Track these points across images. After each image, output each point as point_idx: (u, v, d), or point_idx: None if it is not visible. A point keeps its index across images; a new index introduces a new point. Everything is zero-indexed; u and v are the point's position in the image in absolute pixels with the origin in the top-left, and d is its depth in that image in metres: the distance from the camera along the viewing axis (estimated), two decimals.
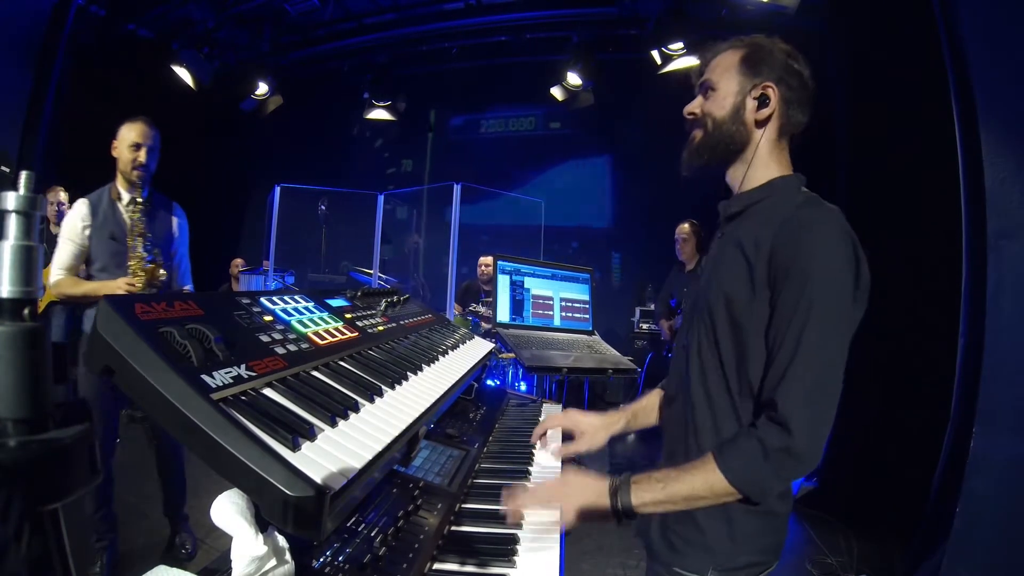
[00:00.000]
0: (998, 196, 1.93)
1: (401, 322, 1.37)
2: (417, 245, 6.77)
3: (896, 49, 3.19)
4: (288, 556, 0.71)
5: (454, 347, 1.44)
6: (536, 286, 2.47)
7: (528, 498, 0.94)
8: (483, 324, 4.26)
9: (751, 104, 0.96)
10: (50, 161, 4.01)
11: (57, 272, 2.13)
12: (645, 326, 5.39)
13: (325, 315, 1.07)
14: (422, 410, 0.92)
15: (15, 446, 0.33)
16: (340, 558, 0.74)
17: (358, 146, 7.57)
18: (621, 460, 3.39)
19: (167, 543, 2.40)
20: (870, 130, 3.45)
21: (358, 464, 0.66)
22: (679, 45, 4.51)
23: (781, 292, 0.85)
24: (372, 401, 0.85)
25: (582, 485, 0.93)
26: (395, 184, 6.62)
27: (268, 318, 0.90)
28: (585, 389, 5.21)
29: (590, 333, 2.52)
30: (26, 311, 0.36)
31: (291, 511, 0.55)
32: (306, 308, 1.04)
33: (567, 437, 1.26)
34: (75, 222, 2.14)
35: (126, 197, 2.21)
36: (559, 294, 2.53)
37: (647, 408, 1.21)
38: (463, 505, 1.03)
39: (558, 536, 0.97)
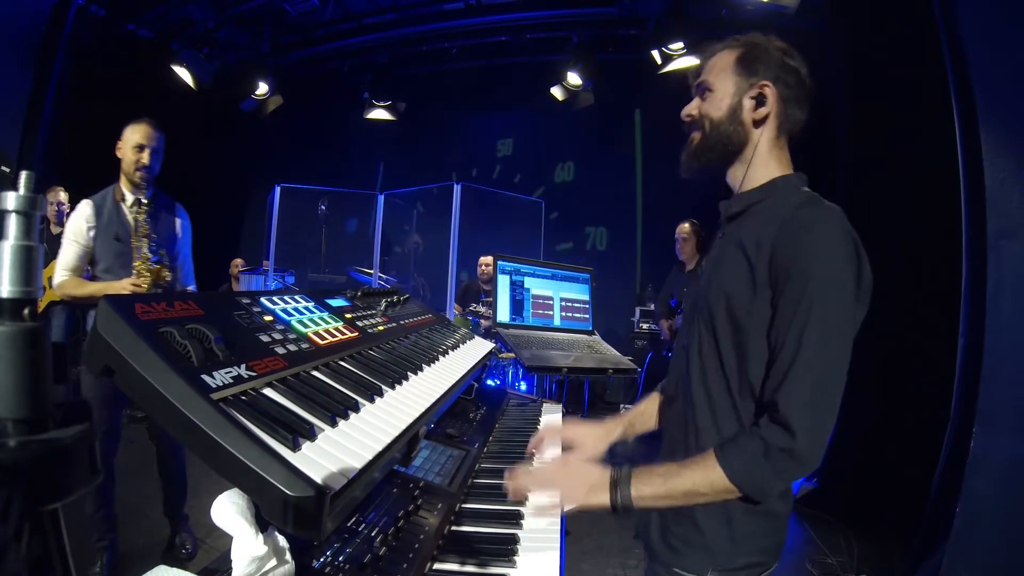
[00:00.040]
0: (998, 196, 1.93)
1: (401, 322, 1.37)
2: (417, 245, 6.77)
3: (896, 49, 3.19)
4: (288, 556, 0.71)
5: (454, 347, 1.44)
6: (536, 286, 2.47)
7: (530, 480, 0.95)
8: (483, 323, 4.26)
9: (748, 104, 0.96)
10: (50, 161, 4.02)
11: (62, 273, 2.13)
12: (645, 326, 5.39)
13: (325, 315, 1.07)
14: (422, 410, 0.92)
15: (15, 446, 0.33)
16: (340, 558, 0.74)
17: (358, 146, 7.58)
18: (620, 461, 3.37)
19: (167, 543, 2.40)
20: (870, 130, 3.45)
21: (358, 464, 0.66)
22: (679, 45, 4.51)
23: (782, 292, 0.84)
24: (372, 401, 0.85)
25: (583, 472, 0.94)
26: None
27: (268, 318, 0.90)
28: (585, 389, 5.22)
29: (590, 333, 2.52)
30: (26, 311, 0.36)
31: (291, 511, 0.55)
32: (306, 308, 1.04)
33: (565, 447, 1.25)
34: (79, 223, 2.14)
35: (130, 198, 2.21)
36: (559, 294, 2.53)
37: (645, 414, 1.20)
38: (463, 505, 1.03)
39: (558, 536, 0.97)
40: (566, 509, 0.93)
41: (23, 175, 0.36)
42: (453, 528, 0.95)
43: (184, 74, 5.28)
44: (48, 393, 0.36)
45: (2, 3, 3.47)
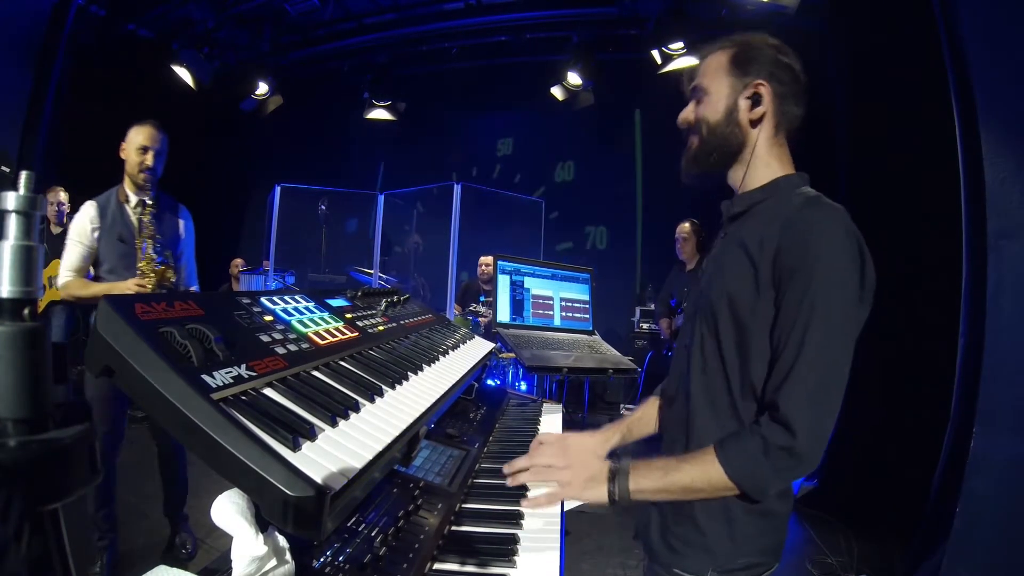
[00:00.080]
0: (998, 196, 1.93)
1: (401, 322, 1.37)
2: (417, 245, 6.77)
3: (896, 49, 3.19)
4: (288, 556, 0.71)
5: (454, 347, 1.44)
6: (536, 286, 2.47)
7: (527, 473, 0.96)
8: (483, 323, 4.26)
9: (744, 104, 0.96)
10: (50, 161, 4.02)
11: (66, 274, 2.14)
12: (645, 326, 5.39)
13: (325, 315, 1.07)
14: (422, 410, 0.92)
15: (15, 446, 0.33)
16: (340, 558, 0.74)
17: (358, 146, 7.58)
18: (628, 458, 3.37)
19: (167, 543, 2.40)
20: (870, 130, 3.45)
21: (358, 464, 0.66)
22: (679, 45, 4.51)
23: (786, 292, 0.84)
24: (372, 401, 0.85)
25: (583, 462, 0.95)
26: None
27: (268, 318, 0.90)
28: (585, 389, 5.21)
29: (590, 333, 2.52)
30: (26, 311, 0.36)
31: (291, 511, 0.55)
32: (306, 308, 1.04)
33: None
34: (83, 224, 2.15)
35: (134, 199, 2.22)
36: (559, 294, 2.53)
37: (643, 419, 1.20)
38: (463, 505, 1.03)
39: (558, 536, 0.97)
40: (564, 500, 0.93)
41: (23, 175, 0.36)
42: (453, 528, 0.95)
43: (184, 74, 5.28)
44: (48, 393, 0.36)
45: (2, 3, 3.47)
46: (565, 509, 1.08)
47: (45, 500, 0.33)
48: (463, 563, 0.85)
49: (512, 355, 2.78)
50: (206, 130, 6.56)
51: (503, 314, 2.35)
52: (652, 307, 5.24)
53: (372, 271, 5.70)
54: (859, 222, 0.85)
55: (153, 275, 2.14)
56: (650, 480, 0.89)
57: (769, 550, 0.95)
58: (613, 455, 0.96)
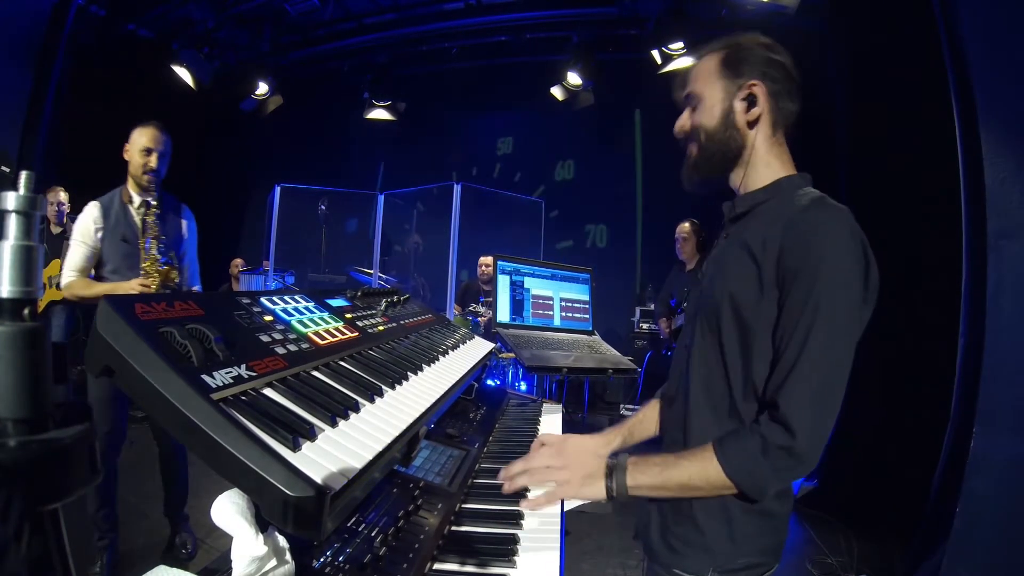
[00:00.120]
0: (998, 196, 1.93)
1: (401, 322, 1.37)
2: (417, 245, 6.78)
3: (896, 49, 3.19)
4: (288, 556, 0.71)
5: (454, 347, 1.44)
6: (536, 286, 2.47)
7: (523, 475, 0.95)
8: (483, 323, 4.27)
9: (740, 106, 0.95)
10: (50, 161, 4.02)
11: (69, 274, 2.15)
12: (645, 326, 5.39)
13: (325, 315, 1.07)
14: (422, 410, 0.92)
15: (15, 446, 0.33)
16: (340, 558, 0.74)
17: (358, 146, 7.58)
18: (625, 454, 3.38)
19: (167, 543, 2.40)
20: (870, 130, 3.45)
21: (358, 464, 0.66)
22: (679, 45, 4.51)
23: (790, 292, 0.84)
24: (372, 401, 0.85)
25: (580, 460, 0.94)
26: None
27: (268, 318, 0.90)
28: (585, 389, 5.22)
29: (590, 333, 2.52)
30: (26, 311, 0.36)
31: (291, 511, 0.55)
32: (306, 308, 1.04)
33: None
34: (87, 224, 2.16)
35: (137, 200, 2.23)
36: (559, 294, 2.53)
37: (645, 421, 1.20)
38: (463, 505, 1.03)
39: (558, 536, 0.97)
40: (563, 499, 0.93)
41: (23, 175, 0.36)
42: (453, 528, 0.95)
43: (184, 74, 5.28)
44: (48, 393, 0.36)
45: (2, 3, 3.47)
46: (565, 509, 1.08)
47: (45, 500, 0.33)
48: (463, 563, 0.85)
49: (512, 355, 2.78)
50: (206, 130, 6.56)
51: (503, 314, 2.35)
52: (652, 307, 5.24)
53: (372, 271, 5.70)
54: (859, 222, 0.85)
55: (157, 275, 2.15)
56: (648, 476, 0.89)
57: (769, 550, 0.95)
58: (613, 456, 0.96)
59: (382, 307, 1.36)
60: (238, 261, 6.04)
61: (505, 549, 0.89)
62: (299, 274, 5.89)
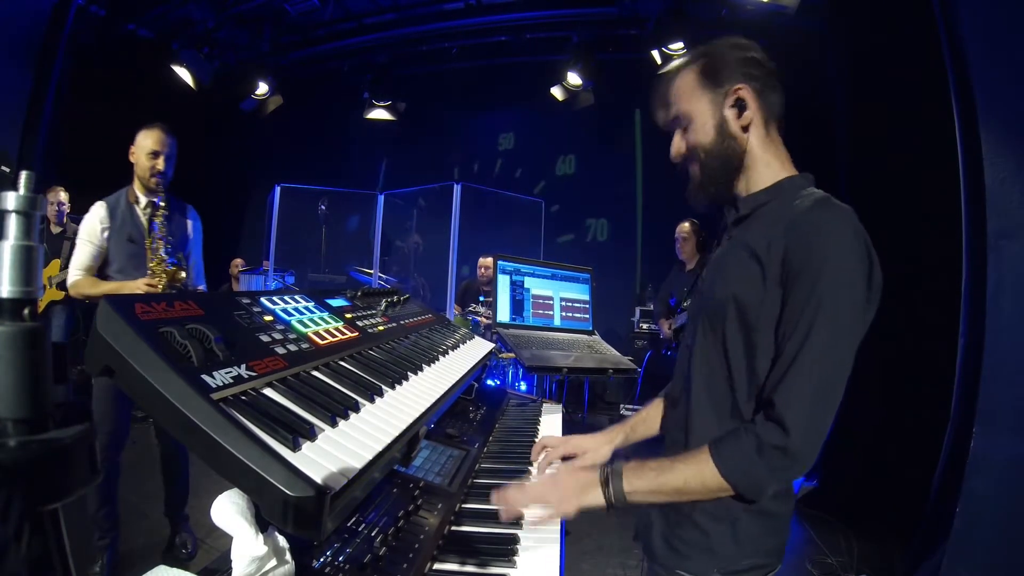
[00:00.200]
0: (998, 196, 1.92)
1: (401, 322, 1.37)
2: (417, 245, 6.78)
3: (896, 49, 3.19)
4: (288, 556, 0.71)
5: (454, 347, 1.44)
6: (536, 286, 2.47)
7: (520, 496, 0.92)
8: (483, 323, 4.27)
9: (730, 114, 0.94)
10: (50, 161, 4.02)
11: (76, 273, 2.17)
12: (645, 326, 5.39)
13: (325, 315, 1.07)
14: (422, 410, 0.92)
15: (15, 446, 0.33)
16: (340, 558, 0.74)
17: (358, 146, 7.58)
18: (621, 457, 3.38)
19: (167, 543, 2.40)
20: (870, 130, 3.45)
21: (358, 464, 0.66)
22: (679, 45, 4.51)
23: (792, 291, 0.84)
24: (372, 401, 0.85)
25: (573, 478, 0.93)
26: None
27: (268, 318, 0.90)
28: (585, 389, 5.22)
29: (590, 333, 2.52)
30: (26, 311, 0.36)
31: (291, 511, 0.55)
32: (306, 308, 1.04)
33: (567, 459, 1.24)
34: (93, 224, 2.18)
35: (144, 200, 2.25)
36: (559, 294, 2.53)
37: (647, 419, 1.19)
38: (463, 505, 1.03)
39: (558, 536, 0.97)
40: (563, 517, 0.92)
41: (23, 175, 0.36)
42: (453, 528, 0.95)
43: (184, 74, 5.28)
44: (48, 393, 0.36)
45: (2, 3, 3.47)
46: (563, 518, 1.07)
47: (45, 500, 0.33)
48: (463, 563, 0.85)
49: (512, 355, 2.78)
50: (206, 130, 6.56)
51: (503, 314, 2.35)
52: (652, 307, 5.24)
53: (372, 271, 5.70)
54: (859, 223, 0.85)
55: (164, 275, 2.17)
56: (644, 481, 0.88)
57: (772, 551, 0.95)
58: (609, 463, 0.95)
59: (382, 307, 1.36)
60: (238, 261, 6.04)
61: (505, 549, 0.89)
62: (299, 274, 5.89)
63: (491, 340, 2.12)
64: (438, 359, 1.26)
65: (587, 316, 2.58)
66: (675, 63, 1.01)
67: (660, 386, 1.23)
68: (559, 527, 1.01)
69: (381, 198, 6.29)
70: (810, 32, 4.15)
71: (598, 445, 1.20)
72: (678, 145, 1.00)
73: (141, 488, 2.74)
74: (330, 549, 0.75)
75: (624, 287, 6.15)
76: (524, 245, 6.06)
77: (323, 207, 5.91)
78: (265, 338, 0.84)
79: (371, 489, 0.87)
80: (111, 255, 2.21)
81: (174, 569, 0.74)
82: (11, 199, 0.35)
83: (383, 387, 0.91)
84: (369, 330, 1.16)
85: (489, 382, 3.26)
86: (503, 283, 2.38)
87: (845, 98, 3.70)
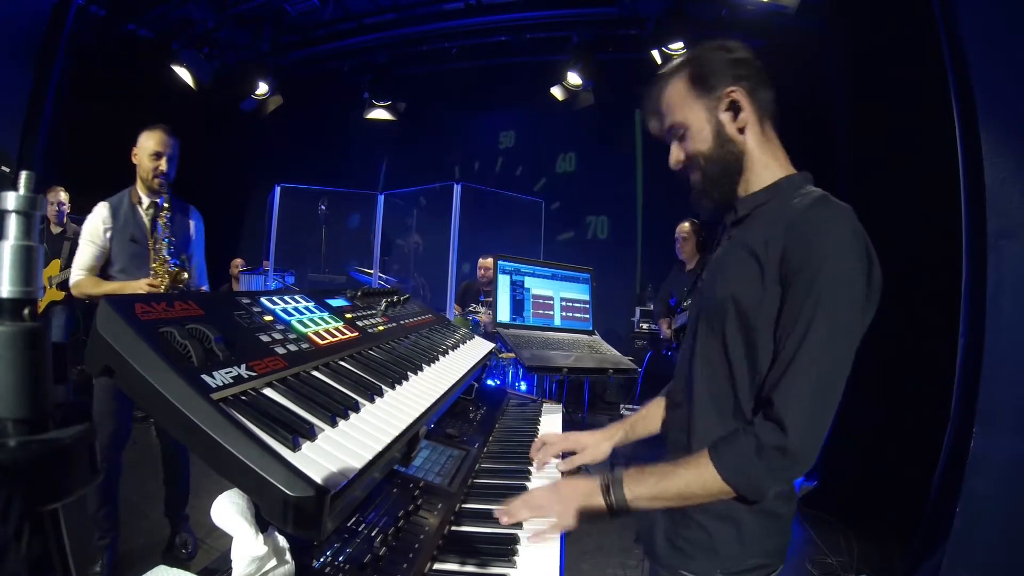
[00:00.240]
0: (998, 196, 1.92)
1: (401, 322, 1.37)
2: (417, 245, 6.78)
3: (896, 49, 3.19)
4: (288, 556, 0.71)
5: (454, 347, 1.44)
6: (536, 286, 2.47)
7: (522, 507, 0.92)
8: (483, 323, 4.27)
9: (726, 117, 0.94)
10: (50, 161, 4.02)
11: (78, 272, 2.19)
12: (645, 326, 5.39)
13: (325, 315, 1.07)
14: (422, 410, 0.92)
15: (15, 446, 0.33)
16: (340, 558, 0.74)
17: (358, 146, 7.58)
18: (621, 460, 3.39)
19: (167, 543, 2.40)
20: (870, 130, 3.44)
21: (358, 464, 0.66)
22: (679, 45, 4.51)
23: (792, 290, 0.83)
24: (372, 401, 0.85)
25: (573, 487, 0.92)
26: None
27: (268, 318, 0.90)
28: (585, 389, 5.22)
29: (590, 333, 2.52)
30: (26, 311, 0.36)
31: (291, 511, 0.55)
32: (306, 308, 1.04)
33: (569, 454, 1.24)
34: (96, 224, 2.19)
35: (146, 201, 2.26)
36: (559, 294, 2.53)
37: (647, 418, 1.19)
38: (463, 505, 1.03)
39: (558, 536, 0.97)
40: (566, 529, 0.91)
41: (23, 175, 0.36)
42: (453, 528, 0.95)
43: (184, 74, 5.28)
44: (48, 393, 0.36)
45: (2, 3, 3.47)
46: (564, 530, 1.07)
47: (45, 500, 0.33)
48: (463, 563, 0.85)
49: (512, 355, 2.78)
50: (206, 130, 6.56)
51: (503, 314, 2.35)
52: (652, 307, 5.24)
53: (372, 271, 5.70)
54: (859, 222, 0.85)
55: (167, 276, 2.18)
56: (645, 487, 0.88)
57: (775, 551, 0.95)
58: (614, 461, 0.95)
59: (382, 307, 1.36)
60: (238, 261, 6.04)
61: (505, 549, 0.89)
62: (299, 274, 5.89)
63: (491, 340, 2.12)
64: (438, 359, 1.26)
65: (587, 316, 2.58)
66: (662, 72, 1.01)
67: (660, 386, 1.23)
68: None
69: (381, 198, 6.29)
70: (810, 32, 4.15)
71: (597, 442, 1.20)
72: (676, 154, 1.00)
73: (141, 488, 2.74)
74: (330, 549, 0.75)
75: (624, 287, 6.15)
76: (524, 245, 6.06)
77: (323, 207, 5.91)
78: (265, 338, 0.84)
79: (371, 489, 0.87)
80: (113, 255, 2.22)
81: (174, 569, 0.74)
82: (11, 199, 0.35)
83: (383, 387, 0.91)
84: (369, 330, 1.16)
85: (489, 382, 3.26)
86: (503, 283, 2.38)
87: (845, 98, 3.70)
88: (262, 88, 5.89)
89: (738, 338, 0.90)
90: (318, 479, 0.58)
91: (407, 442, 0.84)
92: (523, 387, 4.12)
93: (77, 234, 3.32)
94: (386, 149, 7.38)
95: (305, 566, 0.71)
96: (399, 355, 1.13)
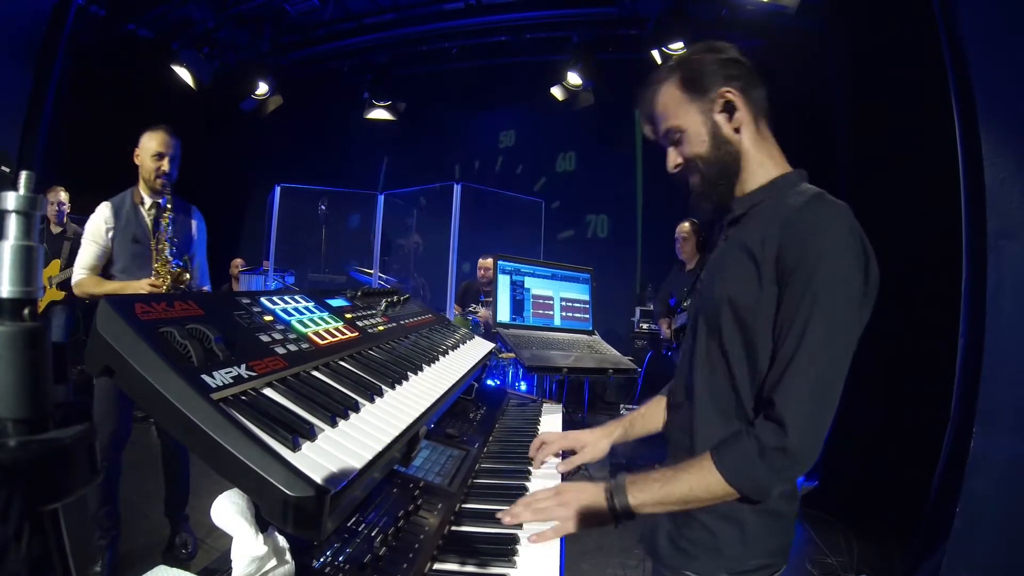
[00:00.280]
0: (998, 196, 1.92)
1: (401, 322, 1.37)
2: (417, 245, 6.78)
3: (896, 49, 3.19)
4: (288, 556, 0.71)
5: (454, 347, 1.44)
6: (536, 286, 2.47)
7: (524, 510, 0.92)
8: (482, 323, 4.27)
9: (721, 118, 0.94)
10: (50, 161, 4.01)
11: (80, 272, 2.20)
12: (645, 326, 5.39)
13: (325, 315, 1.07)
14: (422, 410, 0.92)
15: (15, 446, 0.33)
16: (340, 558, 0.74)
17: (358, 146, 7.58)
18: (621, 460, 3.40)
19: (167, 543, 2.40)
20: (870, 130, 3.45)
21: (358, 464, 0.66)
22: (679, 45, 4.51)
23: (788, 289, 0.83)
24: (372, 401, 0.85)
25: (577, 492, 0.92)
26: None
27: (268, 318, 0.90)
28: (585, 389, 5.22)
29: (590, 333, 2.52)
30: (26, 311, 0.36)
31: (291, 511, 0.55)
32: (306, 308, 1.04)
33: (568, 453, 1.24)
34: (98, 223, 2.21)
35: (148, 201, 2.27)
36: (559, 294, 2.53)
37: (646, 416, 1.19)
38: (463, 505, 1.03)
39: (558, 538, 0.97)
40: (568, 532, 0.91)
41: (23, 175, 0.36)
42: (453, 528, 0.95)
43: (184, 74, 5.28)
44: (48, 393, 0.36)
45: (2, 3, 3.47)
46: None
47: (45, 500, 0.33)
48: (463, 563, 0.85)
49: (512, 355, 2.78)
50: (206, 130, 6.56)
51: (503, 314, 2.35)
52: (652, 307, 5.24)
53: (372, 271, 5.70)
54: (859, 222, 0.85)
55: (168, 276, 2.19)
56: (648, 493, 0.88)
57: (778, 550, 0.95)
58: (614, 460, 0.95)
59: (382, 307, 1.36)
60: (238, 261, 6.04)
61: (505, 549, 0.89)
62: (299, 274, 5.89)
63: (491, 340, 2.12)
64: (438, 359, 1.26)
65: (587, 316, 2.58)
66: (654, 78, 1.01)
67: (660, 386, 1.23)
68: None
69: (381, 198, 6.29)
70: (810, 32, 4.15)
71: (596, 439, 1.20)
72: (674, 158, 1.00)
73: (141, 488, 2.74)
74: (330, 549, 0.75)
75: (624, 287, 6.15)
76: (524, 245, 6.06)
77: (323, 207, 5.91)
78: (265, 338, 0.84)
79: (371, 489, 0.87)
80: (115, 255, 2.23)
81: (174, 569, 0.74)
82: (11, 199, 0.35)
83: (383, 387, 0.91)
84: (369, 330, 1.16)
85: (489, 382, 3.26)
86: (503, 283, 2.38)
87: (845, 98, 3.70)
88: (262, 88, 5.89)
89: (736, 338, 0.90)
90: (318, 479, 0.58)
91: (407, 442, 0.84)
92: (523, 387, 4.12)
93: (77, 234, 3.33)
94: (386, 149, 7.38)
95: (305, 566, 0.71)
96: (399, 355, 1.13)
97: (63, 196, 4.01)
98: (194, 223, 2.43)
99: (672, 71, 0.98)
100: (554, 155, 6.83)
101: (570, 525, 0.90)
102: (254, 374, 0.72)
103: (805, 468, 0.83)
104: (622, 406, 5.19)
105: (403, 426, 0.82)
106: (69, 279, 2.34)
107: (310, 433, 0.66)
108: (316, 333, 0.96)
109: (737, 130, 0.95)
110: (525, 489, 1.12)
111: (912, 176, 3.06)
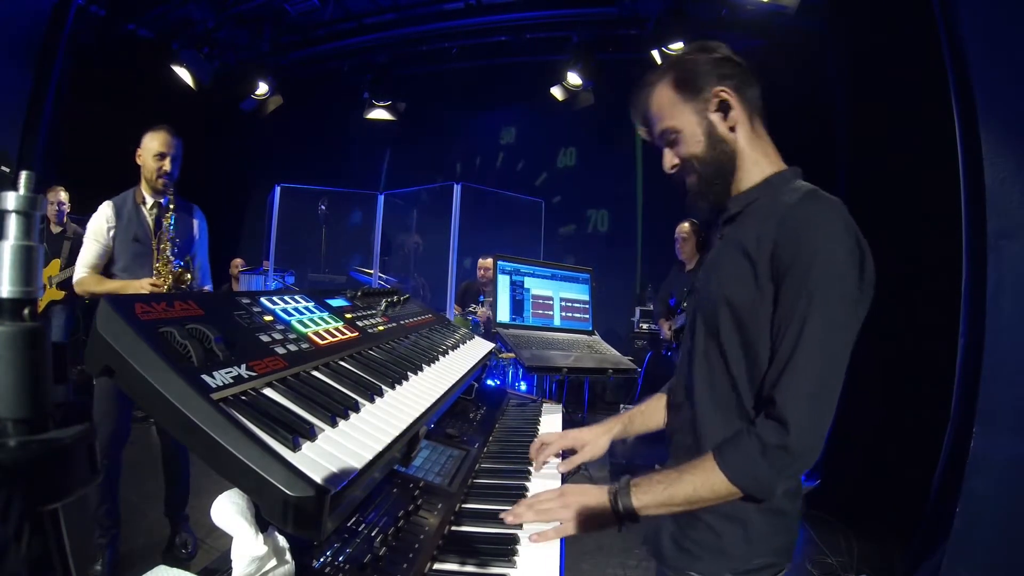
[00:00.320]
0: (998, 196, 1.92)
1: (401, 322, 1.37)
2: (417, 245, 6.78)
3: (896, 49, 3.19)
4: (288, 556, 0.71)
5: (454, 347, 1.44)
6: (536, 286, 2.47)
7: (527, 511, 0.92)
8: (482, 323, 4.27)
9: (716, 118, 0.94)
10: (50, 161, 4.01)
11: (81, 270, 2.21)
12: (645, 326, 5.39)
13: (325, 315, 1.07)
14: (422, 410, 0.92)
15: (15, 446, 0.33)
16: (340, 558, 0.74)
17: (358, 146, 7.58)
18: (620, 459, 3.40)
19: (167, 543, 2.40)
20: (870, 130, 3.45)
21: (358, 464, 0.66)
22: (679, 45, 4.51)
23: (784, 287, 0.83)
24: (372, 401, 0.85)
25: (580, 495, 0.92)
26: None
27: (268, 318, 0.90)
28: (585, 389, 5.22)
29: (590, 333, 2.52)
30: (26, 311, 0.36)
31: (291, 511, 0.55)
32: (306, 308, 1.04)
33: (568, 452, 1.24)
34: (100, 223, 2.22)
35: (150, 201, 2.28)
36: (559, 294, 2.53)
37: (645, 412, 1.19)
38: (463, 505, 1.03)
39: (559, 539, 0.97)
40: (568, 534, 0.91)
41: (23, 175, 0.36)
42: (453, 528, 0.95)
43: (184, 74, 5.28)
44: (48, 393, 0.36)
45: (2, 3, 3.47)
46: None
47: (45, 500, 0.33)
48: (463, 563, 0.85)
49: (512, 355, 2.78)
50: (206, 130, 6.56)
51: (503, 314, 2.35)
52: (652, 307, 5.24)
53: (372, 271, 5.70)
54: (859, 222, 0.85)
55: (169, 276, 2.19)
56: (652, 495, 0.87)
57: (782, 549, 0.95)
58: (613, 459, 0.95)
59: (382, 307, 1.36)
60: (238, 261, 6.04)
61: (505, 549, 0.89)
62: (299, 274, 5.89)
63: (491, 340, 2.12)
64: (438, 359, 1.26)
65: (587, 316, 2.58)
66: (647, 79, 1.01)
67: (660, 387, 1.23)
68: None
69: (381, 198, 6.29)
70: (810, 32, 4.15)
71: (596, 436, 1.20)
72: (670, 159, 1.00)
73: (141, 488, 2.74)
74: (330, 549, 0.75)
75: (624, 287, 6.15)
76: (524, 245, 6.06)
77: (323, 207, 5.91)
78: (265, 338, 0.84)
79: (371, 489, 0.87)
80: (116, 254, 2.24)
81: (174, 569, 0.74)
82: (11, 199, 0.35)
83: (383, 387, 0.91)
84: (369, 330, 1.16)
85: (489, 382, 3.26)
86: (503, 283, 2.38)
87: (845, 98, 3.70)
88: (262, 88, 5.89)
89: (734, 338, 0.90)
90: (318, 479, 0.58)
91: (407, 442, 0.84)
92: (523, 387, 4.12)
93: (77, 234, 3.33)
94: (386, 149, 7.38)
95: (305, 566, 0.71)
96: (399, 355, 1.13)
97: (63, 196, 4.01)
98: (196, 223, 2.43)
99: (665, 72, 0.98)
100: (555, 151, 6.84)
101: (573, 527, 0.90)
102: (254, 374, 0.72)
103: (808, 465, 0.83)
104: (622, 406, 5.20)
105: (403, 426, 0.82)
106: (69, 279, 2.34)
107: (310, 433, 0.66)
108: (316, 333, 0.96)
109: (732, 129, 0.95)
110: (525, 489, 1.12)
111: (912, 176, 3.06)
